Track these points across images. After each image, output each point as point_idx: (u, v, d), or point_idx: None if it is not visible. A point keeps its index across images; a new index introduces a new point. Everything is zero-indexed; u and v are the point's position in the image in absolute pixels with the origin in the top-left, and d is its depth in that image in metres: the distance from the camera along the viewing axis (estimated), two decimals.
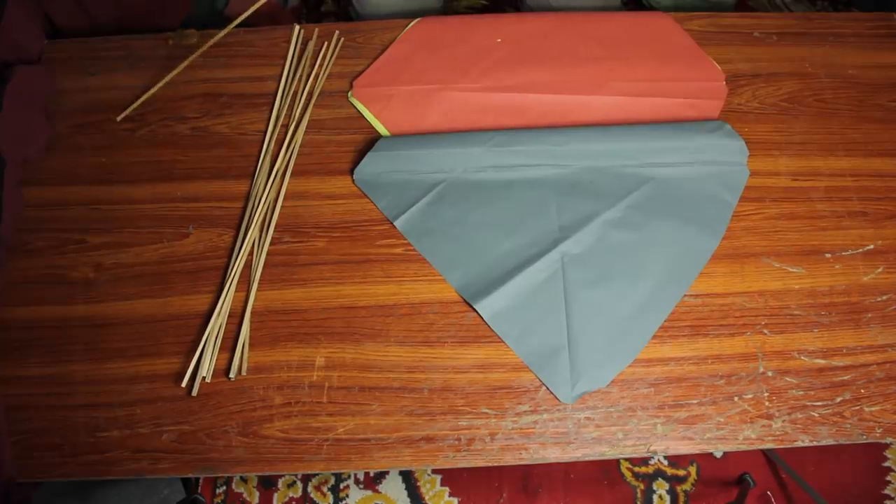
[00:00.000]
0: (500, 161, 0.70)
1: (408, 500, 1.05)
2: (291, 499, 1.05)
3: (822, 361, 0.63)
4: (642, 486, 1.05)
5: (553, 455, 0.60)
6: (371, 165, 0.70)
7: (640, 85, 0.75)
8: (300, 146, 0.72)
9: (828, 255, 0.68)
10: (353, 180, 0.70)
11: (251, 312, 0.64)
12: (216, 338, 0.63)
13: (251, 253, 0.67)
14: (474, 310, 0.64)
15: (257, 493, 1.05)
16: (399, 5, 0.99)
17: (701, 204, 0.69)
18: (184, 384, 0.61)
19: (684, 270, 0.66)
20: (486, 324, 0.64)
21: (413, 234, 0.68)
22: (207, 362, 0.62)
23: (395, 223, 0.68)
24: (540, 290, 0.65)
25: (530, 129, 0.72)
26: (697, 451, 0.63)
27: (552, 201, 0.69)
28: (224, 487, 1.05)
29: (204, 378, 0.61)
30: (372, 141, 0.72)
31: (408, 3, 0.99)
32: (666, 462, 1.07)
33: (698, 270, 0.66)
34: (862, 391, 0.62)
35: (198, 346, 0.62)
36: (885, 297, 0.66)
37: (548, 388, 0.62)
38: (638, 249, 0.67)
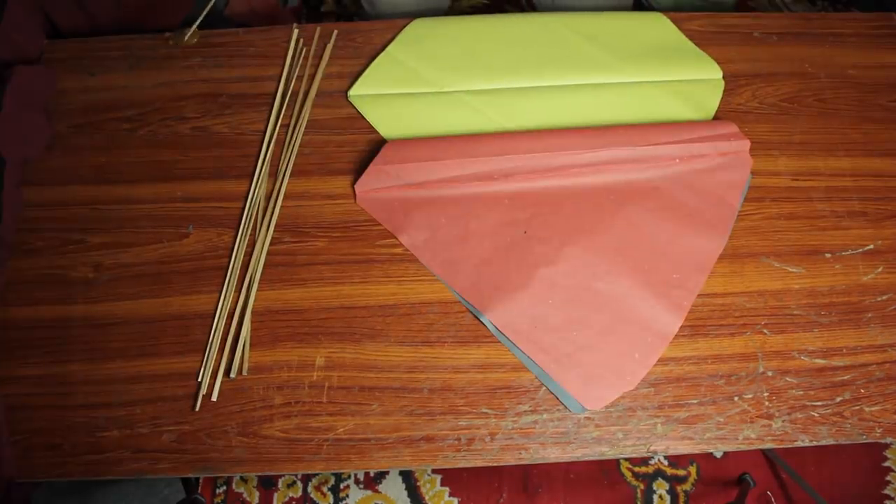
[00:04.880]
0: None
1: (408, 500, 1.05)
2: (291, 499, 1.05)
3: (822, 361, 0.63)
4: (642, 486, 1.05)
5: (553, 455, 0.60)
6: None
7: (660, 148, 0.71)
8: (300, 146, 0.72)
9: (828, 255, 0.68)
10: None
11: (251, 312, 0.64)
12: (216, 338, 0.63)
13: (251, 253, 0.67)
14: (479, 319, 0.64)
15: (257, 493, 1.05)
16: (409, 4, 0.99)
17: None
18: (194, 384, 0.61)
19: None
20: (497, 332, 0.64)
21: None
22: (207, 363, 0.62)
23: None
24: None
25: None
26: (697, 451, 0.63)
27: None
28: (224, 487, 1.05)
29: (207, 382, 0.61)
30: (372, 142, 0.72)
31: (417, 3, 0.99)
32: (666, 462, 1.07)
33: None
34: (862, 391, 0.62)
35: (198, 346, 0.62)
36: (885, 297, 0.66)
37: (560, 400, 0.62)
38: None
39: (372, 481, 1.06)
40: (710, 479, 1.06)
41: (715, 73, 0.77)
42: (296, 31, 0.78)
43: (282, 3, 1.17)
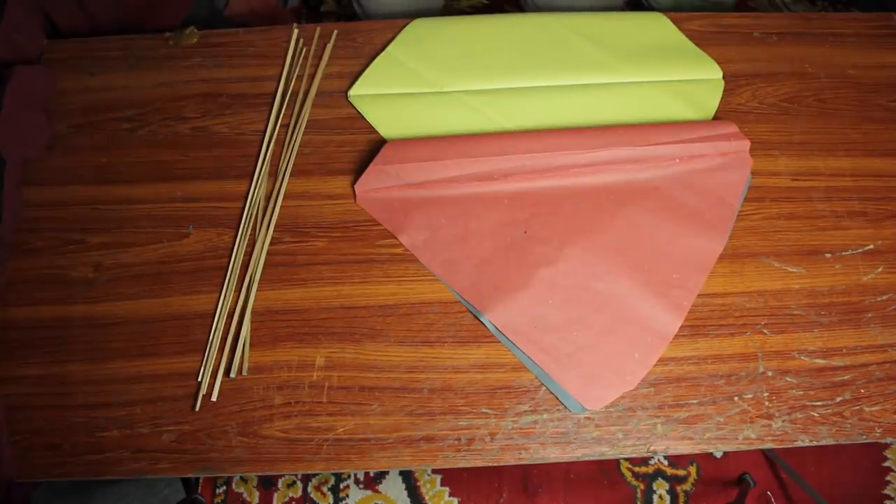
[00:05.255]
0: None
1: (408, 500, 1.05)
2: (291, 499, 1.05)
3: (822, 361, 0.63)
4: (642, 486, 1.05)
5: (553, 455, 0.60)
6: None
7: (661, 148, 0.71)
8: (300, 146, 0.72)
9: (828, 255, 0.68)
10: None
11: (251, 312, 0.64)
12: (216, 338, 0.63)
13: (251, 253, 0.67)
14: (479, 319, 0.64)
15: (257, 493, 1.05)
16: (402, 4, 0.99)
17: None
18: (193, 384, 0.61)
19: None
20: (497, 332, 0.64)
21: None
22: (207, 363, 0.62)
23: None
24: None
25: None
26: (697, 451, 0.62)
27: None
28: (224, 487, 1.05)
29: (207, 382, 0.61)
30: (372, 142, 0.72)
31: (410, 3, 0.99)
32: (666, 462, 1.07)
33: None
34: (862, 391, 0.62)
35: (198, 346, 0.62)
36: (885, 297, 0.66)
37: (560, 401, 0.62)
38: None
39: (372, 481, 1.06)
40: (710, 479, 1.06)
41: (715, 73, 0.77)
42: (296, 31, 0.78)
43: (282, 3, 1.17)
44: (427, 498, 1.05)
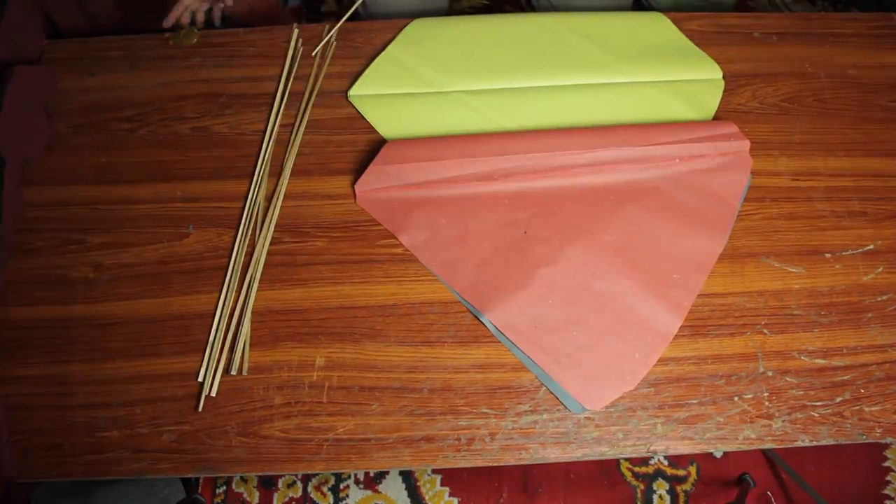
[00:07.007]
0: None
1: (408, 500, 1.05)
2: (291, 499, 1.05)
3: (822, 361, 0.63)
4: (642, 486, 1.05)
5: (553, 455, 0.60)
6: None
7: (661, 149, 0.71)
8: (300, 146, 0.72)
9: (828, 255, 0.68)
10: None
11: (251, 312, 0.64)
12: (216, 338, 0.63)
13: (251, 253, 0.67)
14: (479, 319, 0.64)
15: (257, 493, 1.05)
16: (406, 5, 0.99)
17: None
18: (195, 382, 0.61)
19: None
20: (497, 332, 0.64)
21: None
22: (208, 363, 0.62)
23: None
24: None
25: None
26: (697, 451, 0.62)
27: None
28: (224, 487, 1.05)
29: (208, 382, 0.61)
30: (372, 142, 0.72)
31: (414, 4, 0.99)
32: (666, 462, 1.07)
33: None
34: (862, 391, 0.62)
35: (198, 346, 0.62)
36: (885, 297, 0.66)
37: (560, 400, 0.62)
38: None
39: (372, 481, 1.06)
40: (710, 479, 1.06)
41: (715, 73, 0.77)
42: (296, 31, 0.78)
43: (282, 3, 1.17)
44: (427, 498, 1.05)
